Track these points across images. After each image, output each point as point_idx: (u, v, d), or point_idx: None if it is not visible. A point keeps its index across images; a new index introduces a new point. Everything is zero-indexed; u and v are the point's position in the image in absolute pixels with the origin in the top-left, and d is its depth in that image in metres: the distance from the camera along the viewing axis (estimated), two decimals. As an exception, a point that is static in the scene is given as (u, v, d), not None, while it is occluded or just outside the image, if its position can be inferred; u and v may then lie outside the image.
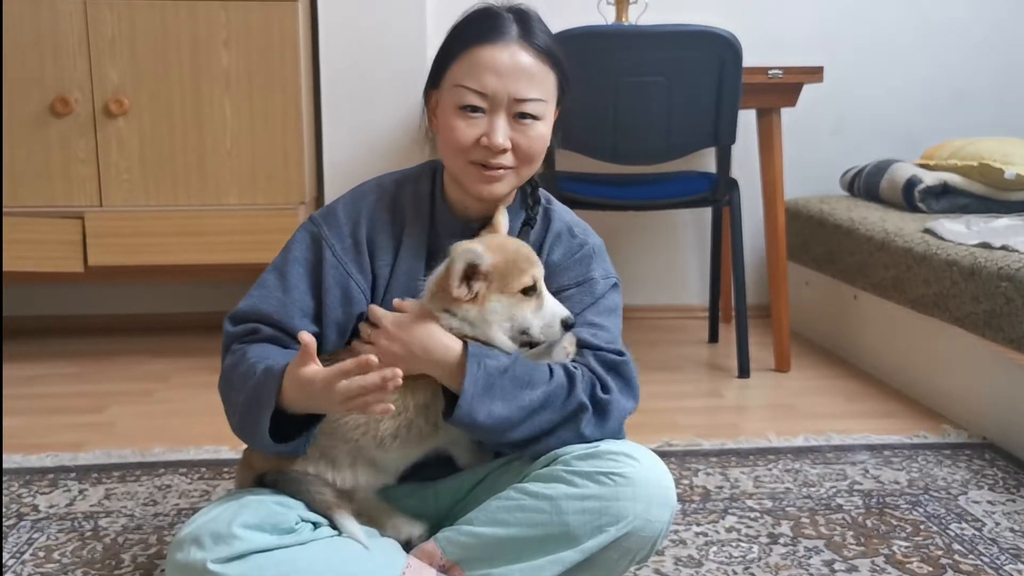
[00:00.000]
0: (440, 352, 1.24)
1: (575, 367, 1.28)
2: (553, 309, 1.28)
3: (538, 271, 1.28)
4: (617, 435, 1.31)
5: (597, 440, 1.27)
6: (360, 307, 1.34)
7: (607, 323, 1.36)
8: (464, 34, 1.32)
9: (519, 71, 1.29)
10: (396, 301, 1.31)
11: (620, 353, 1.32)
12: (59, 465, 1.94)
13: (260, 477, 1.31)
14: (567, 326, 1.27)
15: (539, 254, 1.36)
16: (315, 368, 1.16)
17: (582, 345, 1.32)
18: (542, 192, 1.46)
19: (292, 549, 1.17)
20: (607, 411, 1.27)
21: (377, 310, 1.30)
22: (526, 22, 1.32)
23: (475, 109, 1.30)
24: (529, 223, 1.41)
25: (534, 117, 1.32)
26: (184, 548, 1.16)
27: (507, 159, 1.32)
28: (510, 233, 1.38)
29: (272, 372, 1.21)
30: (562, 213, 1.46)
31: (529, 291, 1.26)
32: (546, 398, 1.23)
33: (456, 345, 1.25)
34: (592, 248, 1.42)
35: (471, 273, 1.24)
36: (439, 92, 1.36)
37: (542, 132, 1.34)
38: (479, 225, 1.38)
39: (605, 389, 1.28)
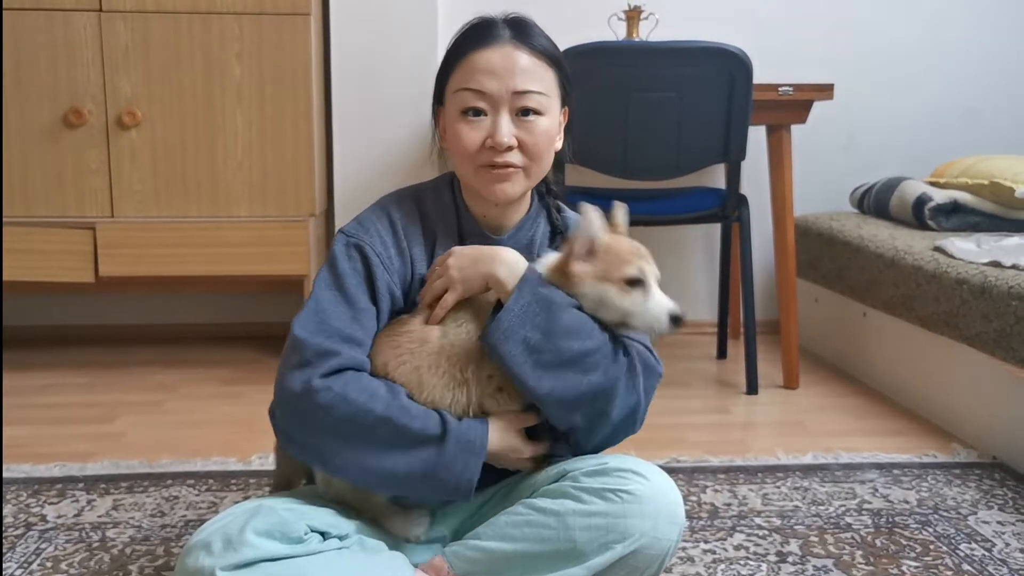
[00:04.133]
0: (505, 256, 1.30)
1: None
2: (661, 301, 1.26)
3: (647, 266, 1.28)
4: (633, 420, 1.33)
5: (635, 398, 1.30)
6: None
7: None
8: (460, 44, 1.35)
9: (514, 67, 1.31)
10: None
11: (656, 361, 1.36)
12: (67, 475, 1.95)
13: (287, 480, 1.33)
14: (676, 321, 1.26)
15: None
16: None
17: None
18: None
19: (300, 560, 1.17)
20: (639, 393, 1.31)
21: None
22: (520, 26, 1.34)
23: (477, 112, 1.32)
24: (560, 232, 1.43)
25: (537, 112, 1.33)
26: (194, 553, 1.16)
27: (514, 157, 1.32)
28: (536, 244, 1.42)
29: (466, 441, 1.26)
30: (576, 219, 1.47)
31: (635, 282, 1.26)
32: (589, 352, 1.25)
33: (522, 262, 1.29)
34: None
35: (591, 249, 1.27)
36: (444, 107, 1.38)
37: (546, 127, 1.34)
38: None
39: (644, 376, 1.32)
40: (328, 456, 1.24)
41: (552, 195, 1.46)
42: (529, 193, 1.42)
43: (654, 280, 1.28)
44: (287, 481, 1.46)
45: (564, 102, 1.39)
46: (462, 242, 1.38)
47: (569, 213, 1.48)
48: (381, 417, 1.22)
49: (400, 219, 1.37)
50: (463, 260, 1.29)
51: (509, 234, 1.40)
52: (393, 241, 1.35)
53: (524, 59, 1.32)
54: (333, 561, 1.19)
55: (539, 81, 1.33)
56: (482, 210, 1.39)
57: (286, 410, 1.24)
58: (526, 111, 1.32)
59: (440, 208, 1.40)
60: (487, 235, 1.39)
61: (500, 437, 1.28)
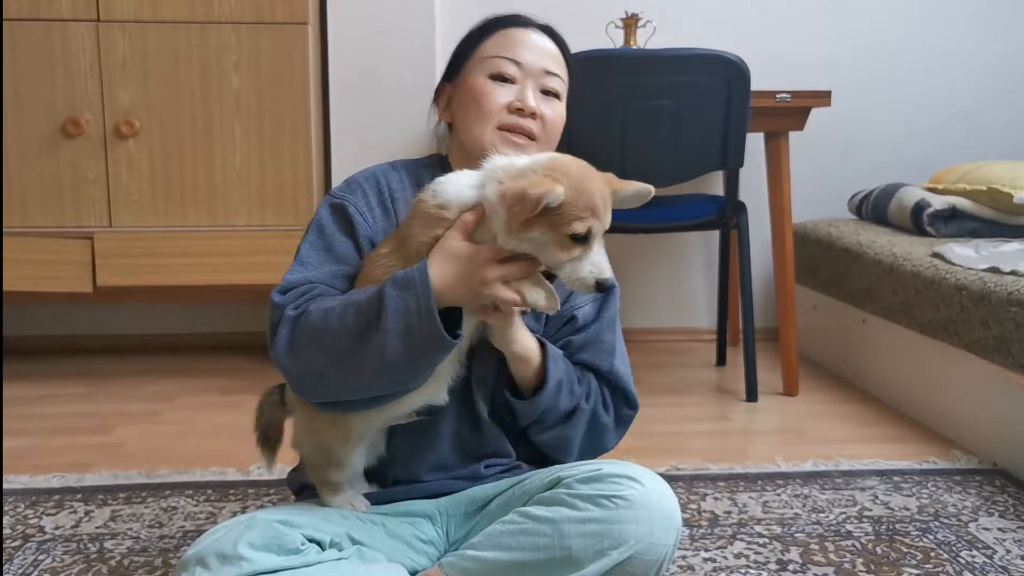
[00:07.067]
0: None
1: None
2: (592, 266, 1.15)
3: (597, 224, 1.15)
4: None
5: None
6: None
7: (623, 347, 1.46)
8: (493, 23, 1.43)
9: (547, 50, 1.41)
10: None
11: (633, 403, 1.43)
12: (65, 486, 1.94)
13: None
14: (601, 288, 1.17)
15: None
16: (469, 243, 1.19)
17: (610, 379, 1.41)
18: None
19: (299, 571, 1.17)
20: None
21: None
22: (547, 27, 1.45)
23: (506, 79, 1.38)
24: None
25: (556, 95, 1.41)
26: (189, 569, 1.15)
27: (535, 125, 1.38)
28: None
29: (403, 278, 1.17)
30: None
31: (578, 238, 1.14)
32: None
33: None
34: None
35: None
36: (460, 80, 1.42)
37: (562, 112, 1.43)
38: None
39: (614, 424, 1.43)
40: (326, 374, 1.20)
41: None
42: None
43: (597, 240, 1.17)
44: (265, 433, 1.48)
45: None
46: None
47: None
48: (342, 304, 1.20)
49: (389, 184, 1.40)
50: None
51: None
52: (378, 201, 1.38)
53: (553, 48, 1.42)
54: (332, 571, 1.19)
55: (562, 70, 1.42)
56: None
57: (276, 358, 1.24)
58: (548, 92, 1.40)
59: (432, 179, 1.40)
60: None
61: (440, 267, 1.18)
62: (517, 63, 1.38)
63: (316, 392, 1.24)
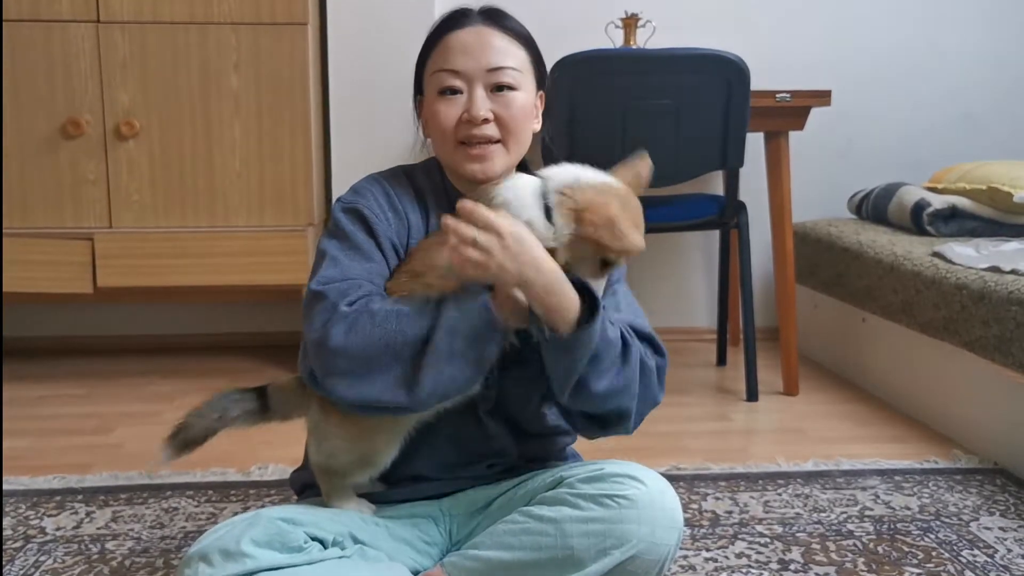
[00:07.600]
0: (559, 278, 1.19)
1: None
2: (602, 284, 1.28)
3: (629, 257, 1.28)
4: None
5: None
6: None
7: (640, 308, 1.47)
8: (434, 32, 1.38)
9: (487, 45, 1.33)
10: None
11: (661, 350, 1.39)
12: (66, 487, 1.94)
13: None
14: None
15: None
16: None
17: (641, 332, 1.38)
18: None
19: (301, 568, 1.17)
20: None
21: (479, 209, 1.16)
22: (491, 11, 1.38)
23: (453, 91, 1.33)
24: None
25: (511, 88, 1.34)
26: (192, 565, 1.15)
27: (491, 130, 1.33)
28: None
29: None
30: None
31: (610, 263, 1.26)
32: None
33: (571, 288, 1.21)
34: None
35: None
36: (424, 96, 1.40)
37: (523, 102, 1.35)
38: None
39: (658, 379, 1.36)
40: (384, 375, 1.18)
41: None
42: (514, 173, 1.42)
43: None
44: (190, 437, 1.44)
45: (540, 85, 1.41)
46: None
47: None
48: (416, 309, 1.20)
49: (393, 188, 1.38)
50: (510, 253, 1.15)
51: None
52: (388, 204, 1.36)
53: (496, 37, 1.35)
54: (334, 569, 1.19)
55: (512, 58, 1.35)
56: (467, 190, 1.39)
57: (323, 351, 1.20)
58: (500, 87, 1.34)
59: (431, 184, 1.41)
60: None
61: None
62: (457, 72, 1.33)
63: (365, 389, 1.19)
